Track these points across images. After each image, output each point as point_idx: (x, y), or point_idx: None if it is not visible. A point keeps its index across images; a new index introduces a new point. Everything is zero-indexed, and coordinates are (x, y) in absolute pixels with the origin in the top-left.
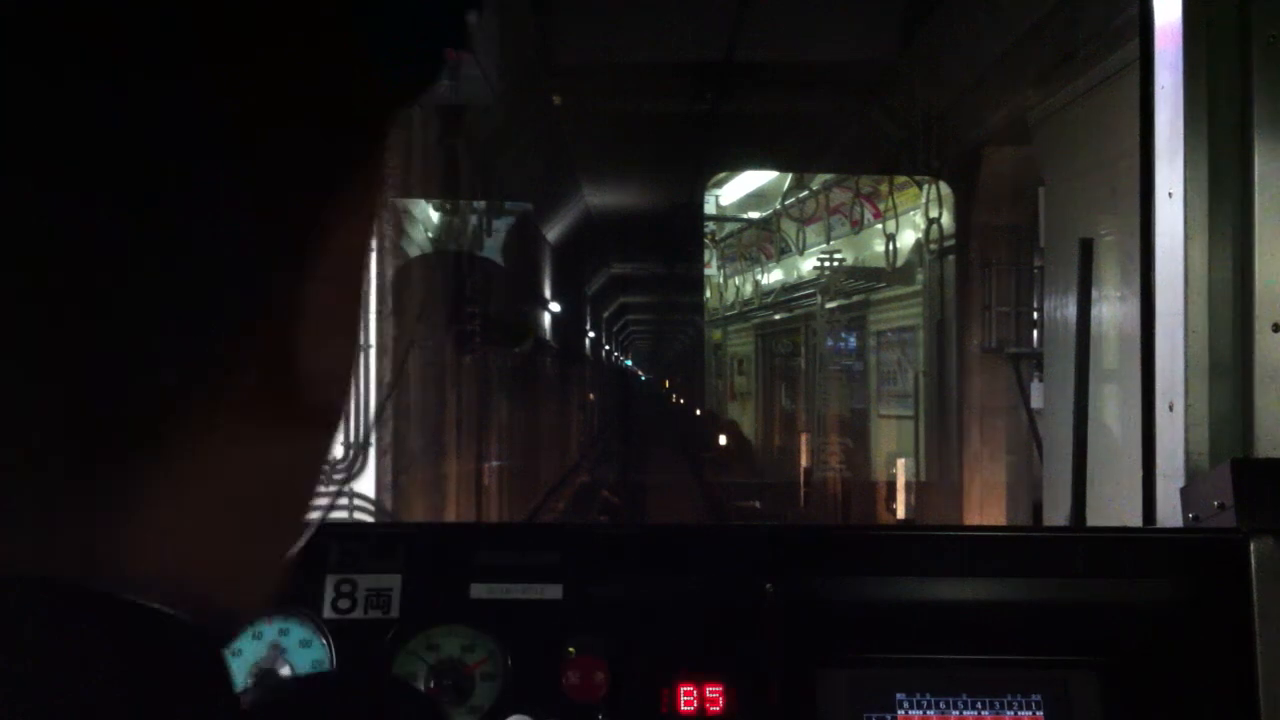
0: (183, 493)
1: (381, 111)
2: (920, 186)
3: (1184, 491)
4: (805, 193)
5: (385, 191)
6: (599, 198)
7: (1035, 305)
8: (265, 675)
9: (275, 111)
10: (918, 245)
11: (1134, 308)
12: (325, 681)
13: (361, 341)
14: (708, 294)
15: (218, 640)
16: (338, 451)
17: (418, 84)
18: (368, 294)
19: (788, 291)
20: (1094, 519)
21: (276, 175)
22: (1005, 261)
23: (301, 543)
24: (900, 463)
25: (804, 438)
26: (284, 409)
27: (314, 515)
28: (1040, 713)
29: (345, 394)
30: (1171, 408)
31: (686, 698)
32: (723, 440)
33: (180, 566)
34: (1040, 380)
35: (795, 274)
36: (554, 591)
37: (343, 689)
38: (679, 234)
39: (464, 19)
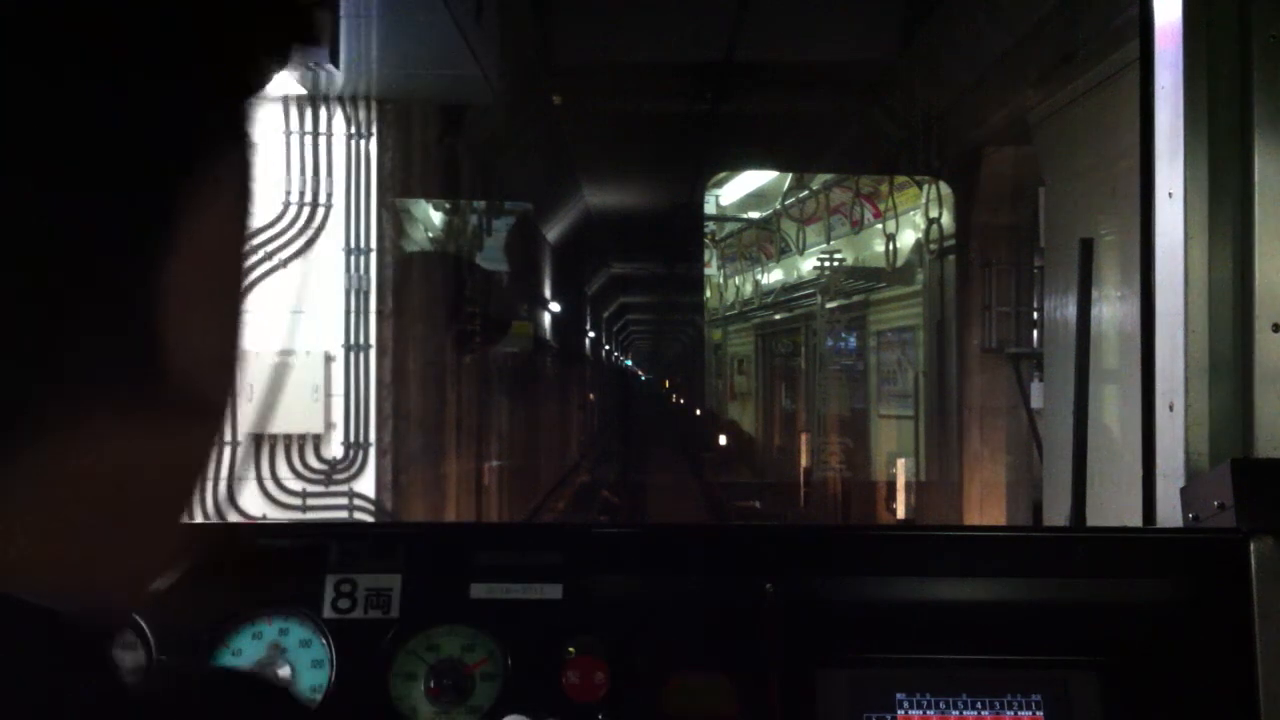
0: (46, 486)
1: (244, 100)
2: (920, 186)
3: (1184, 491)
4: (805, 193)
5: (251, 184)
6: (599, 198)
7: (1035, 305)
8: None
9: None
10: (918, 245)
11: (1134, 308)
12: (222, 678)
13: (240, 332)
14: (708, 294)
15: (99, 632)
16: (338, 452)
17: (269, 74)
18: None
19: (788, 291)
20: (1094, 519)
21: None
22: (1005, 261)
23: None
24: (900, 463)
25: (804, 438)
26: (152, 399)
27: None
28: (1040, 713)
29: (224, 384)
30: (1171, 408)
31: None
32: (723, 440)
33: (47, 560)
34: (1040, 380)
35: (795, 274)
36: (554, 591)
37: (236, 686)
38: (679, 234)
39: (312, 13)
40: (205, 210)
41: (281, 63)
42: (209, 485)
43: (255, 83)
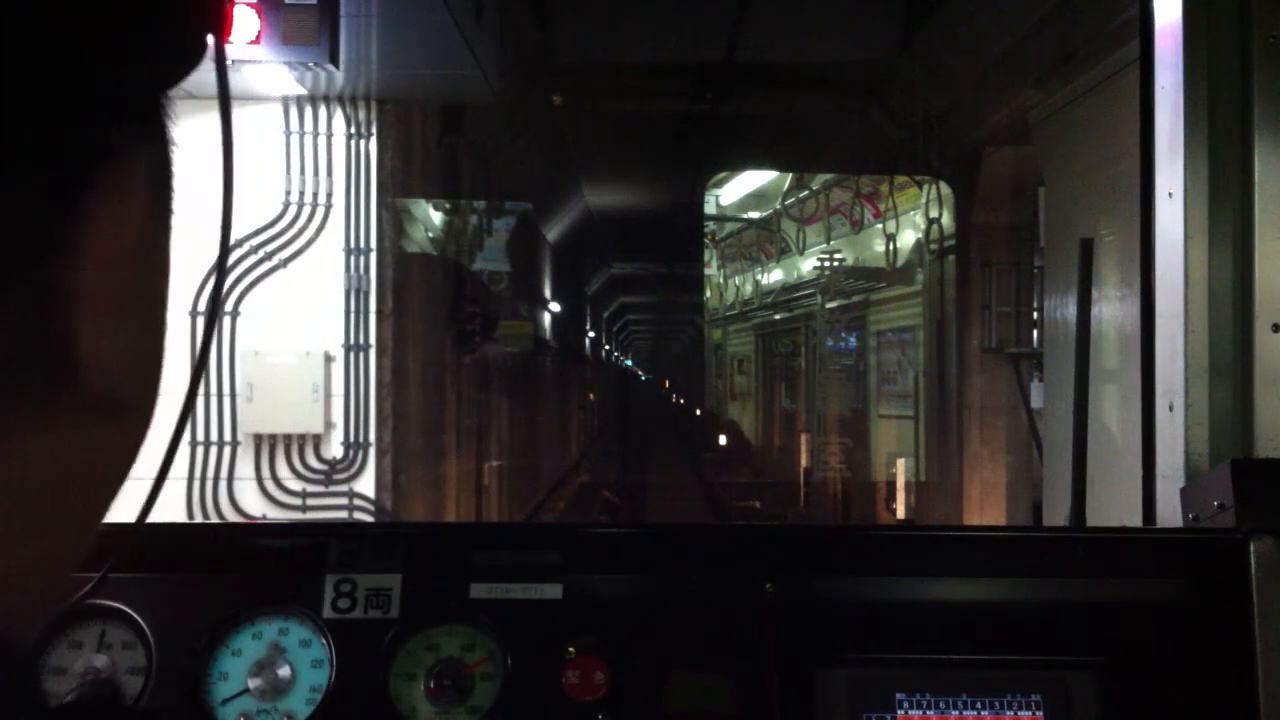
0: None
1: (152, 99)
2: (920, 186)
3: (1184, 492)
4: (805, 193)
5: (170, 184)
6: (599, 198)
7: (1035, 305)
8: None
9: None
10: (918, 245)
11: (1134, 308)
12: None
13: (162, 331)
14: (708, 294)
15: (18, 645)
16: (338, 452)
17: (181, 70)
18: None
19: (788, 291)
20: (1094, 519)
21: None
22: (1005, 261)
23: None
24: (900, 463)
25: (804, 438)
26: (64, 399)
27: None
28: (1040, 713)
29: (141, 384)
30: (1171, 408)
31: None
32: (723, 440)
33: None
34: (1040, 380)
35: (795, 274)
36: (554, 591)
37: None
38: (679, 234)
39: (220, 6)
40: (120, 207)
41: (197, 58)
42: (209, 485)
43: (167, 78)
